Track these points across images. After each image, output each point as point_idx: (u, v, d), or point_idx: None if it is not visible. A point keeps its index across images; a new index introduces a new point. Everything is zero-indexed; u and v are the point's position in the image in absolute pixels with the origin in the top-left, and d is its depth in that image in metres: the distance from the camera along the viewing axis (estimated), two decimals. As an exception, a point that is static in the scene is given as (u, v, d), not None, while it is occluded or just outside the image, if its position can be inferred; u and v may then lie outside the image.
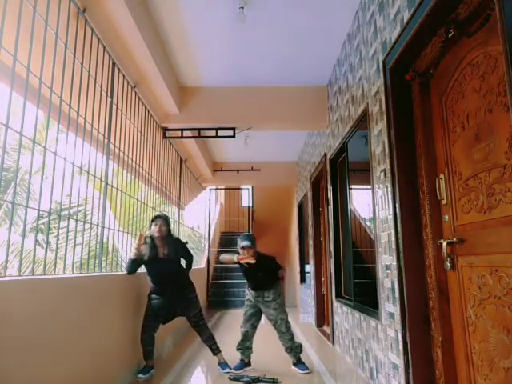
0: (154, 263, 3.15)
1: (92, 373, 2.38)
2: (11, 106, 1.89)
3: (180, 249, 3.35)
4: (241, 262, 3.14)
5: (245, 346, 3.27)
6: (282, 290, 3.42)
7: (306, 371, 3.16)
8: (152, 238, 3.20)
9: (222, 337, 4.24)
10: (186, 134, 4.82)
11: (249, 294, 3.35)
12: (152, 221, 3.26)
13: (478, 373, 1.69)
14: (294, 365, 3.25)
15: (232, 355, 3.31)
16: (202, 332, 3.30)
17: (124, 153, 3.50)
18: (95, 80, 2.86)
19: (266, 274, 3.26)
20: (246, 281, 3.43)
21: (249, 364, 3.26)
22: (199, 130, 4.74)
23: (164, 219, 3.26)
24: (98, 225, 3.03)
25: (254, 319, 3.29)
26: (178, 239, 3.48)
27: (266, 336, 3.36)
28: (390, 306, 2.40)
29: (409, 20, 2.00)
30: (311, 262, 5.66)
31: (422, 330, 2.07)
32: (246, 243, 3.14)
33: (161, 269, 3.16)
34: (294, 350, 3.24)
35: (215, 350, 3.29)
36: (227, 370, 3.16)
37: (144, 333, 3.11)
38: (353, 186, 3.49)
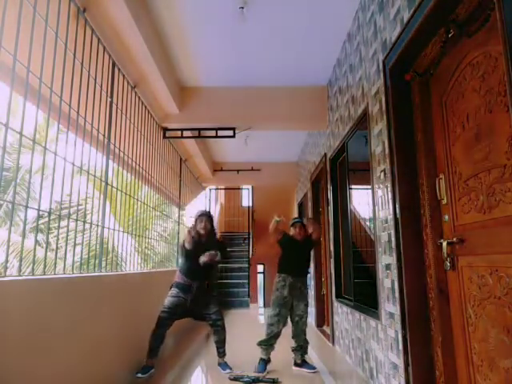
0: (194, 257, 3.21)
1: (91, 372, 2.38)
2: (11, 106, 1.89)
3: (218, 248, 3.42)
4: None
5: (270, 343, 3.21)
6: None
7: (314, 370, 3.18)
8: (198, 233, 3.31)
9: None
10: (186, 134, 4.82)
11: (284, 290, 3.24)
12: (197, 218, 3.37)
13: (478, 373, 1.69)
14: (299, 365, 3.25)
15: (231, 355, 3.31)
16: (218, 333, 3.29)
17: (124, 153, 3.50)
18: (95, 80, 2.86)
19: (308, 255, 3.45)
20: (286, 266, 3.34)
21: (269, 361, 3.21)
22: (199, 129, 4.74)
23: (208, 216, 3.38)
24: (97, 225, 3.03)
25: (286, 319, 3.28)
26: (217, 238, 3.55)
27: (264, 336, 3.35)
28: (390, 306, 2.40)
29: (409, 20, 2.00)
30: (311, 261, 5.66)
31: (422, 329, 2.07)
32: (297, 220, 3.52)
33: (198, 263, 3.22)
34: (304, 349, 3.26)
35: (221, 353, 3.29)
36: (228, 370, 3.16)
37: (157, 328, 3.11)
38: (353, 186, 3.49)
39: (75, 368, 2.20)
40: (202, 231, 3.30)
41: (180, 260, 3.47)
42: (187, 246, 3.22)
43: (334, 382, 2.97)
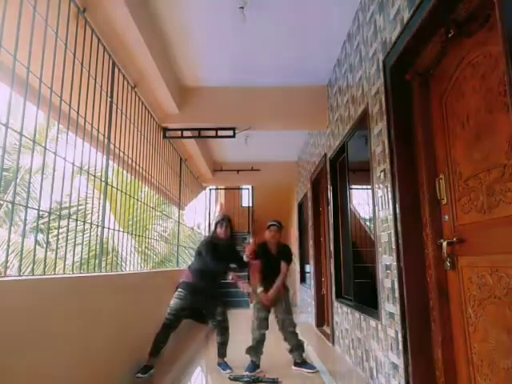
0: (210, 260, 3.26)
1: (91, 372, 2.38)
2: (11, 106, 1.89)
3: (233, 251, 3.49)
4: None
5: (257, 349, 3.21)
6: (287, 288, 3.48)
7: (314, 370, 3.17)
8: (217, 237, 3.37)
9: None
10: (186, 134, 4.82)
11: (259, 295, 3.30)
12: (218, 222, 3.43)
13: (478, 373, 1.69)
14: (299, 365, 3.25)
15: (231, 355, 3.31)
16: (222, 334, 3.31)
17: (124, 153, 3.50)
18: (95, 80, 2.86)
19: (279, 262, 3.39)
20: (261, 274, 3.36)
21: (258, 366, 3.20)
22: (199, 130, 4.74)
23: (227, 221, 3.43)
24: (97, 225, 3.03)
25: (267, 321, 3.28)
26: (234, 243, 3.59)
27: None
28: (390, 306, 2.40)
29: (409, 20, 2.00)
30: (311, 262, 5.66)
31: (422, 329, 2.07)
32: (273, 223, 3.43)
33: (214, 266, 3.28)
34: (300, 349, 3.26)
35: (222, 354, 3.30)
36: (228, 370, 3.16)
37: (163, 329, 3.13)
38: (353, 186, 3.49)
39: (75, 368, 2.20)
40: (221, 236, 3.36)
41: (194, 260, 3.51)
42: (206, 247, 3.28)
43: (334, 382, 2.97)
